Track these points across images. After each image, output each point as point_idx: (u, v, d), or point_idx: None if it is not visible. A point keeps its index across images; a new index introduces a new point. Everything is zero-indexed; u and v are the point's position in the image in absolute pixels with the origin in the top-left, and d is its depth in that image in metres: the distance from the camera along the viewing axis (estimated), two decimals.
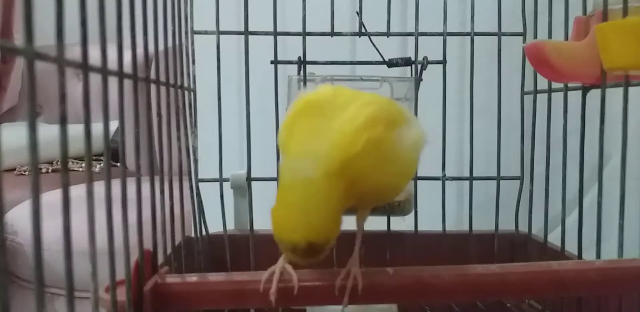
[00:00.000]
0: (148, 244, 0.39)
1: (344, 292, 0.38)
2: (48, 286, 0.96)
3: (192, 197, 0.59)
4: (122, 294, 0.34)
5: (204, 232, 0.62)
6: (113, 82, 0.32)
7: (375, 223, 0.62)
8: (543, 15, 0.57)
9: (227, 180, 0.63)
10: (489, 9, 0.63)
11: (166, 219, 0.43)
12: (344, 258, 0.41)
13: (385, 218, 0.62)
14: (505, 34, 0.63)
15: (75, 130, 0.27)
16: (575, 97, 0.52)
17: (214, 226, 0.63)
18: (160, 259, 0.42)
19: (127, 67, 0.35)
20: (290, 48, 0.62)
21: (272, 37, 0.60)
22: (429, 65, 0.61)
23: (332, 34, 0.62)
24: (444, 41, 0.61)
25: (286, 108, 0.41)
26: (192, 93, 0.59)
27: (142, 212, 0.36)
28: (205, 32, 0.60)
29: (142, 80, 0.39)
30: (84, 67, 0.27)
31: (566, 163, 0.53)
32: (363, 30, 0.62)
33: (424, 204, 0.61)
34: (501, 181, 0.63)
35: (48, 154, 0.91)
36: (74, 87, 1.28)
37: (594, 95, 0.48)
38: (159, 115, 0.43)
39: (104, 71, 0.31)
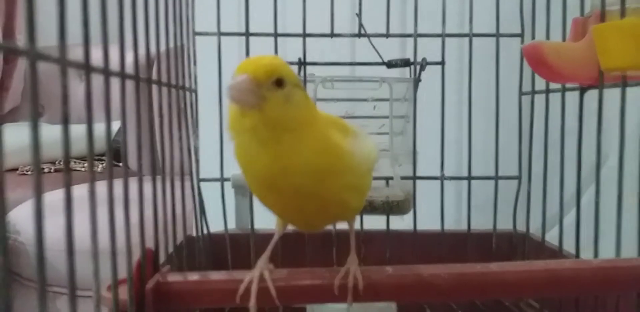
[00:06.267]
0: (150, 243, 0.39)
1: (343, 291, 0.38)
2: (50, 285, 0.96)
3: (193, 196, 0.60)
4: (123, 293, 0.34)
5: (205, 232, 0.62)
6: (115, 82, 0.32)
7: (375, 222, 0.62)
8: (541, 16, 0.57)
9: (228, 180, 0.63)
10: (488, 10, 0.63)
11: (168, 218, 0.43)
12: (343, 257, 0.41)
13: (384, 217, 0.62)
14: (503, 35, 0.63)
15: (78, 130, 0.28)
16: (573, 97, 0.52)
17: (215, 225, 0.63)
18: (162, 258, 0.42)
19: (129, 68, 0.35)
20: (291, 49, 0.62)
21: (272, 38, 0.60)
22: (427, 66, 0.62)
23: (332, 35, 0.62)
24: (443, 42, 0.62)
25: None
26: (193, 94, 0.60)
27: (144, 211, 0.37)
28: (207, 34, 0.61)
29: (144, 81, 0.39)
30: (87, 67, 0.28)
31: (564, 163, 0.53)
32: (362, 31, 0.62)
33: (423, 203, 0.61)
34: (499, 181, 0.64)
35: (50, 154, 0.92)
36: (77, 88, 1.28)
37: (592, 95, 0.49)
38: (161, 115, 0.43)
39: (106, 72, 0.31)
